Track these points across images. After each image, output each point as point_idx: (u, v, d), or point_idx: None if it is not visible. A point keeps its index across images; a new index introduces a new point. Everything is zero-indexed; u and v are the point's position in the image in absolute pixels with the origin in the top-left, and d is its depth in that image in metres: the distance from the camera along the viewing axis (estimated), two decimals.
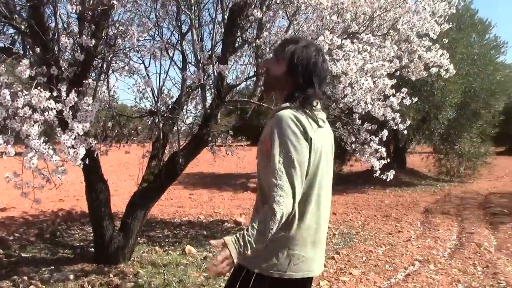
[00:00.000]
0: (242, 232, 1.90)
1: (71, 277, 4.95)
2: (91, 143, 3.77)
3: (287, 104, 2.05)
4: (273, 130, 1.96)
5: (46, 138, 3.50)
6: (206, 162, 13.15)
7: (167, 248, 6.22)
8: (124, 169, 17.16)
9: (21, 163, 3.46)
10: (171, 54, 5.74)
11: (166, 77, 5.71)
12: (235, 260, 1.87)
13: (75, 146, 3.51)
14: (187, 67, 5.65)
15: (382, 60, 4.81)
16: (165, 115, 5.60)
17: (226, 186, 13.79)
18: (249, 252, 1.88)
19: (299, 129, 1.96)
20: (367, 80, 4.68)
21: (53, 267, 5.31)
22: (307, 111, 2.04)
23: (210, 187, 13.33)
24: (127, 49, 5.26)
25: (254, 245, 1.88)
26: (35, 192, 3.85)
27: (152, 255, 5.85)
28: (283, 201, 1.86)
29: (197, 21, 5.31)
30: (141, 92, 5.87)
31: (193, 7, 5.12)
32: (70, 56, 4.16)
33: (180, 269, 5.30)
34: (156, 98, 5.57)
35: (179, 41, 5.68)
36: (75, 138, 3.51)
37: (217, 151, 7.27)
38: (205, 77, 5.14)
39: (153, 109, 6.04)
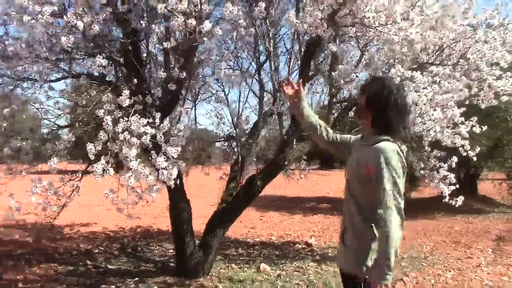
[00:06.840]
0: (381, 264, 2.30)
1: None
2: (180, 165, 4.12)
3: (384, 137, 2.46)
4: (379, 159, 2.37)
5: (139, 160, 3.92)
6: (278, 186, 13.29)
7: (242, 265, 6.52)
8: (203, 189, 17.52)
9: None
10: (249, 83, 6.15)
11: (244, 104, 6.07)
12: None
13: (167, 168, 3.90)
14: (264, 95, 6.02)
15: (451, 92, 4.95)
16: (243, 140, 5.96)
17: (297, 209, 13.94)
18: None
19: (401, 159, 2.41)
20: (436, 110, 4.87)
21: (137, 278, 5.73)
22: (398, 144, 2.46)
23: (281, 209, 13.48)
24: (211, 78, 5.71)
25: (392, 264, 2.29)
26: (128, 208, 4.30)
27: (228, 271, 6.17)
28: (395, 220, 2.30)
29: (275, 52, 5.68)
30: (218, 117, 6.28)
31: (271, 39, 5.48)
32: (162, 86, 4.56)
33: (256, 285, 5.59)
34: (235, 124, 5.95)
35: (257, 71, 6.06)
36: (167, 160, 3.91)
37: (291, 174, 7.58)
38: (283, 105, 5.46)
39: (231, 134, 6.44)
